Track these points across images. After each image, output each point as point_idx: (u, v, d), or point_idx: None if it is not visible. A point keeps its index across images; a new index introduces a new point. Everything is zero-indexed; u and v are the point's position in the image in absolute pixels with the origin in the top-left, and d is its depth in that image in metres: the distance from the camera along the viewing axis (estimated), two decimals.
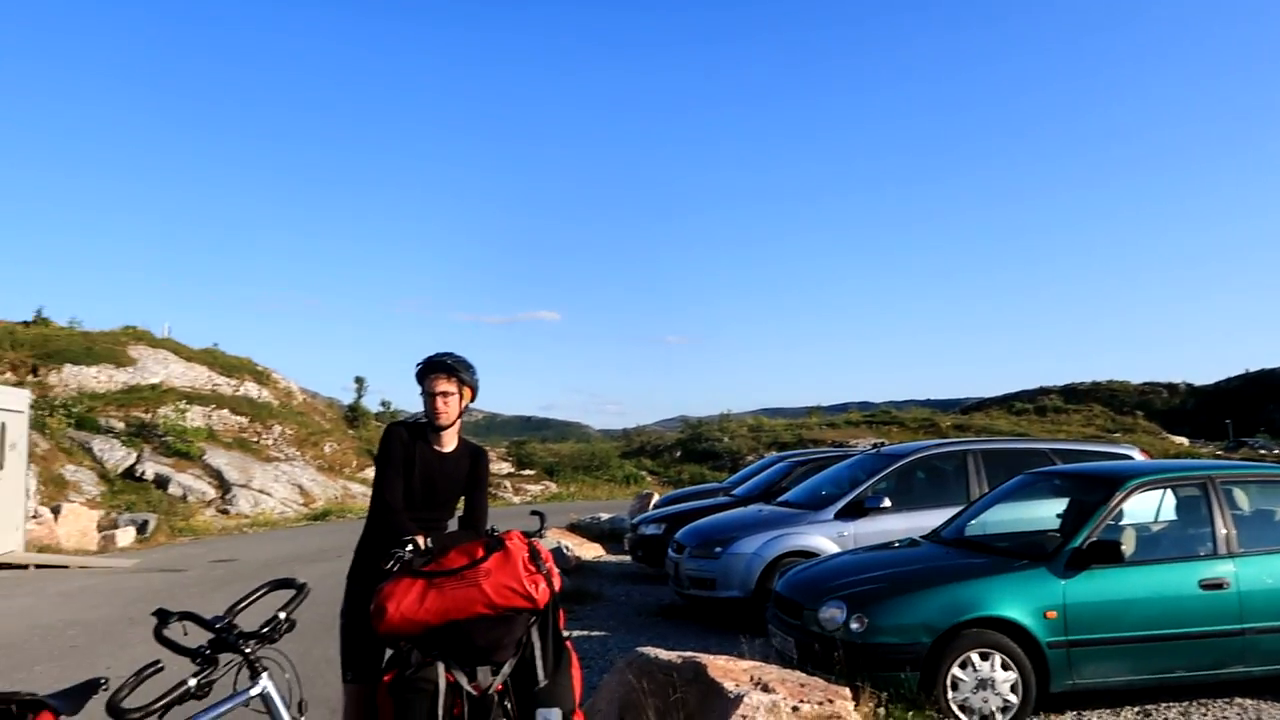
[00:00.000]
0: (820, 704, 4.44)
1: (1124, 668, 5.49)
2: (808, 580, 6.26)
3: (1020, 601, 5.36)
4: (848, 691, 4.68)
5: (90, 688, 2.29)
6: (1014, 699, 5.28)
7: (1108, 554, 5.41)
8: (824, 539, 8.39)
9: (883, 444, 10.86)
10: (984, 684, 5.27)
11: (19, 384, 21.01)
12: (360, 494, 27.11)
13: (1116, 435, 37.80)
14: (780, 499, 10.26)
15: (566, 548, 13.02)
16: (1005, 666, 5.29)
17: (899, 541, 7.09)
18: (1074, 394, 50.05)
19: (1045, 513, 6.87)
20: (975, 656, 5.29)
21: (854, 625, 5.40)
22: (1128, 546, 5.48)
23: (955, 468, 9.01)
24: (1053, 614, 5.34)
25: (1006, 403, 50.21)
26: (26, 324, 27.98)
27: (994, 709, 5.27)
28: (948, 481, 9.01)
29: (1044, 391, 50.80)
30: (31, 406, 15.98)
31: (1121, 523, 5.89)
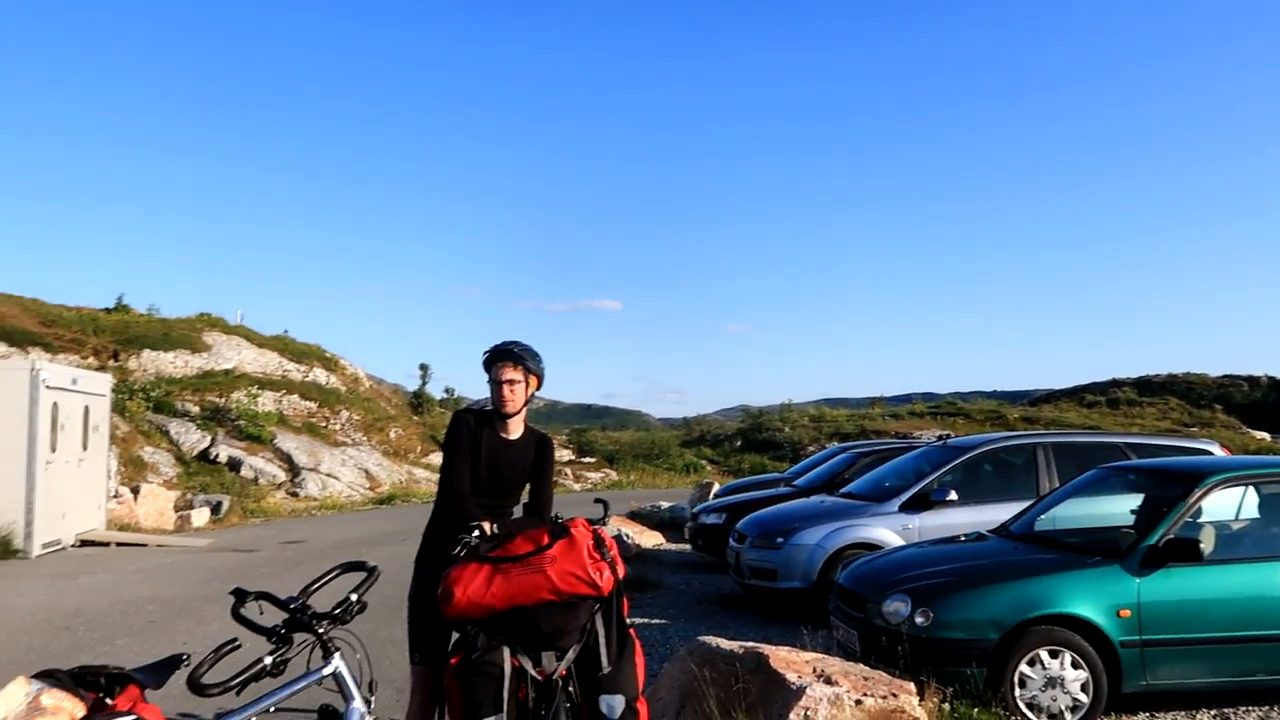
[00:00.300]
0: (884, 698, 4.40)
1: (1200, 669, 5.33)
2: (872, 573, 6.19)
3: (1092, 599, 5.24)
4: (912, 686, 4.63)
5: (173, 663, 2.37)
6: (1084, 698, 5.17)
7: (1185, 552, 5.25)
8: (888, 532, 8.29)
9: (948, 436, 10.68)
10: (1053, 682, 5.16)
11: (101, 368, 21.80)
12: (424, 479, 27.59)
13: (1194, 430, 36.61)
14: (843, 490, 10.17)
15: (627, 535, 13.08)
16: (1075, 665, 5.18)
17: (965, 536, 6.97)
18: (1148, 386, 48.57)
19: (1119, 509, 6.69)
20: (1044, 654, 5.19)
21: (919, 619, 5.33)
22: (1207, 545, 5.30)
23: (1024, 461, 8.83)
24: (1126, 613, 5.21)
25: (1077, 395, 48.90)
26: (108, 311, 29.00)
27: (1063, 708, 5.16)
28: (1016, 475, 8.83)
29: (1116, 384, 49.36)
30: (113, 390, 16.56)
31: (1200, 520, 5.70)
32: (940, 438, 10.93)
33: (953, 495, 8.33)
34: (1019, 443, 9.26)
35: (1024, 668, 5.18)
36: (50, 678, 1.98)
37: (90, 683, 2.05)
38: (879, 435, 34.65)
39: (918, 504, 8.44)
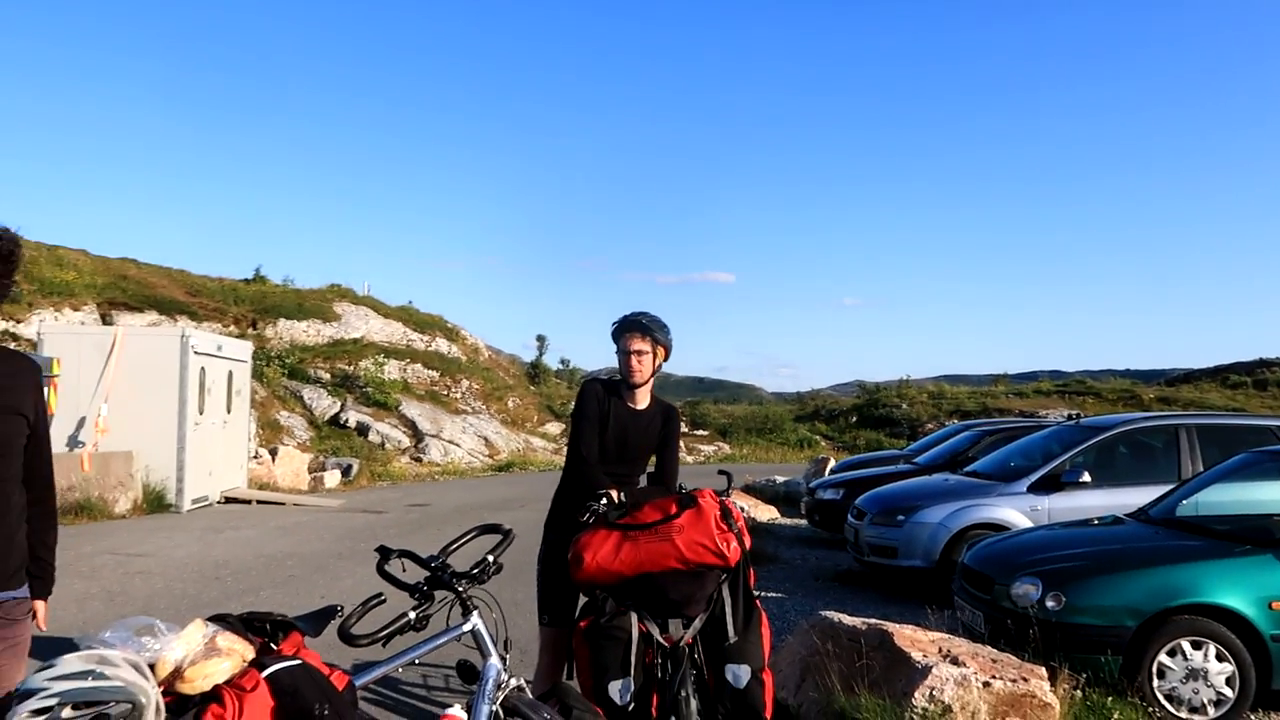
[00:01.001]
0: (1014, 681, 4.29)
1: None
2: (999, 554, 6.02)
3: (1241, 589, 4.96)
4: (1043, 671, 4.50)
5: (328, 613, 2.51)
6: (1229, 693, 4.92)
7: None
8: (1015, 512, 8.04)
9: (1079, 415, 10.24)
10: (1194, 674, 4.93)
11: (241, 336, 23.04)
12: (540, 448, 28.20)
13: None
14: (967, 469, 9.90)
15: (742, 509, 13.08)
16: (1220, 658, 4.93)
17: (1099, 519, 6.70)
18: None
19: (1270, 495, 6.30)
20: (1186, 644, 4.95)
21: (1050, 603, 5.16)
22: None
23: (1165, 443, 8.39)
24: (1279, 605, 4.92)
25: (1219, 375, 45.97)
26: (247, 282, 30.53)
27: (1205, 701, 4.93)
28: (1155, 457, 8.40)
29: (1264, 364, 46.15)
30: (252, 357, 17.50)
31: None
32: (1071, 417, 10.51)
33: (1086, 477, 7.99)
34: (1159, 424, 8.82)
35: (1163, 658, 4.96)
36: (223, 621, 2.13)
37: (257, 628, 2.19)
38: (1002, 413, 33.48)
39: (1048, 485, 8.14)
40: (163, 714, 1.87)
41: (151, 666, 1.90)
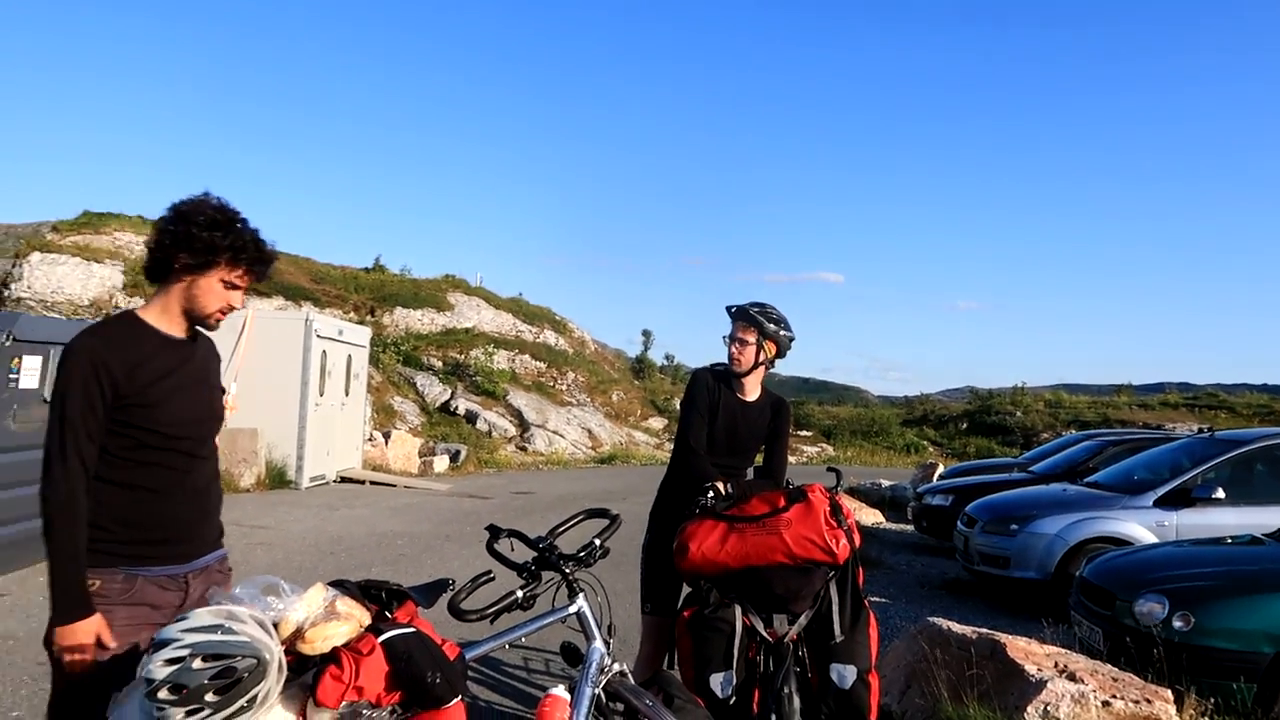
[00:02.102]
0: (1136, 703, 4.07)
1: None
2: (1122, 569, 5.74)
3: None
4: (1168, 694, 4.25)
5: (440, 586, 2.55)
6: None
7: None
8: (1139, 527, 7.65)
9: (1211, 429, 9.67)
10: None
11: (360, 323, 23.89)
12: (643, 442, 28.31)
13: None
14: (1087, 479, 9.47)
15: (852, 510, 12.86)
16: None
17: (1233, 538, 6.30)
18: None
19: None
20: None
21: (1177, 623, 4.89)
22: None
23: None
24: None
25: None
26: (367, 271, 31.60)
27: None
28: None
29: None
30: (370, 343, 18.12)
31: None
32: (1203, 430, 9.94)
33: (1220, 493, 7.54)
34: None
35: None
36: (342, 587, 2.20)
37: (374, 595, 2.25)
38: (1124, 425, 31.89)
39: (1176, 499, 7.73)
40: (285, 672, 1.94)
41: (275, 625, 1.98)
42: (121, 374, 2.33)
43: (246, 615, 1.92)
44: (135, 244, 21.68)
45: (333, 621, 2.03)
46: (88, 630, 2.26)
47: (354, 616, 2.08)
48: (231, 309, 2.50)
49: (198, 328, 2.56)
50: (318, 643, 1.99)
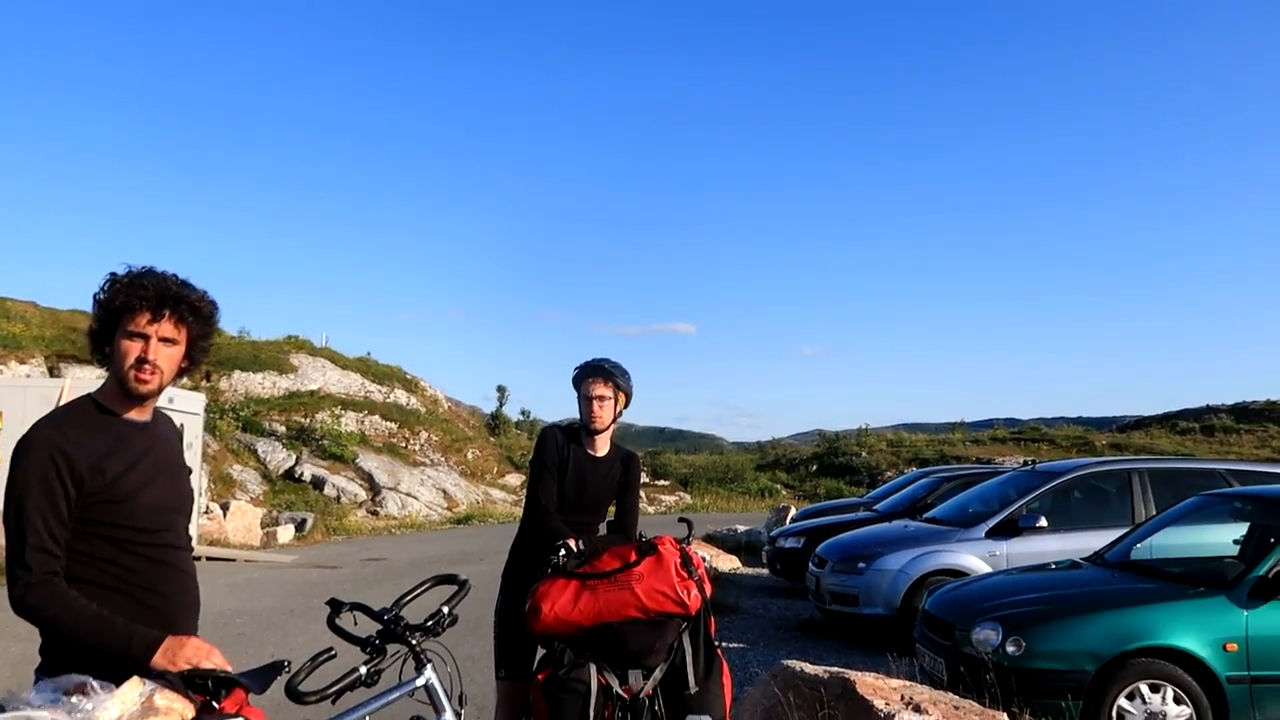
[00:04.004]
0: None
1: None
2: (959, 599, 6.03)
3: (1196, 631, 5.00)
4: (1004, 717, 4.48)
5: (274, 669, 2.41)
6: None
7: None
8: (974, 558, 8.08)
9: (1034, 461, 10.38)
10: (1153, 717, 4.94)
11: (194, 388, 22.63)
12: (500, 500, 27.87)
13: None
14: (926, 515, 9.95)
15: (704, 558, 13.00)
16: (1178, 700, 4.95)
17: (1056, 563, 6.75)
18: (1246, 413, 46.35)
19: (1221, 538, 6.42)
20: (1144, 688, 4.97)
21: (1010, 648, 5.16)
22: None
23: (1118, 487, 8.52)
24: (1233, 646, 4.96)
25: (1168, 421, 46.97)
26: None
27: None
28: (1110, 502, 8.53)
29: (1211, 410, 47.27)
30: (205, 409, 17.16)
31: None
32: (1027, 463, 10.65)
33: (1043, 521, 8.07)
34: (1113, 468, 8.95)
35: (1122, 701, 4.97)
36: (161, 679, 2.04)
37: (198, 685, 2.10)
38: (959, 461, 33.77)
39: (1006, 530, 8.21)
40: None
41: None
42: (86, 468, 2.16)
43: None
44: None
45: (150, 718, 1.88)
46: (171, 648, 2.13)
47: (174, 710, 1.94)
48: (144, 362, 2.24)
49: (154, 406, 2.39)
50: None
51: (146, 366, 2.24)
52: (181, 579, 2.40)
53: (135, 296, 2.23)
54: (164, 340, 2.27)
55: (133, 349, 2.24)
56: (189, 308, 2.30)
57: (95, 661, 2.09)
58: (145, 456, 2.31)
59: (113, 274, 2.27)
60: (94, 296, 2.28)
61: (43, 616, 2.10)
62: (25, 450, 2.17)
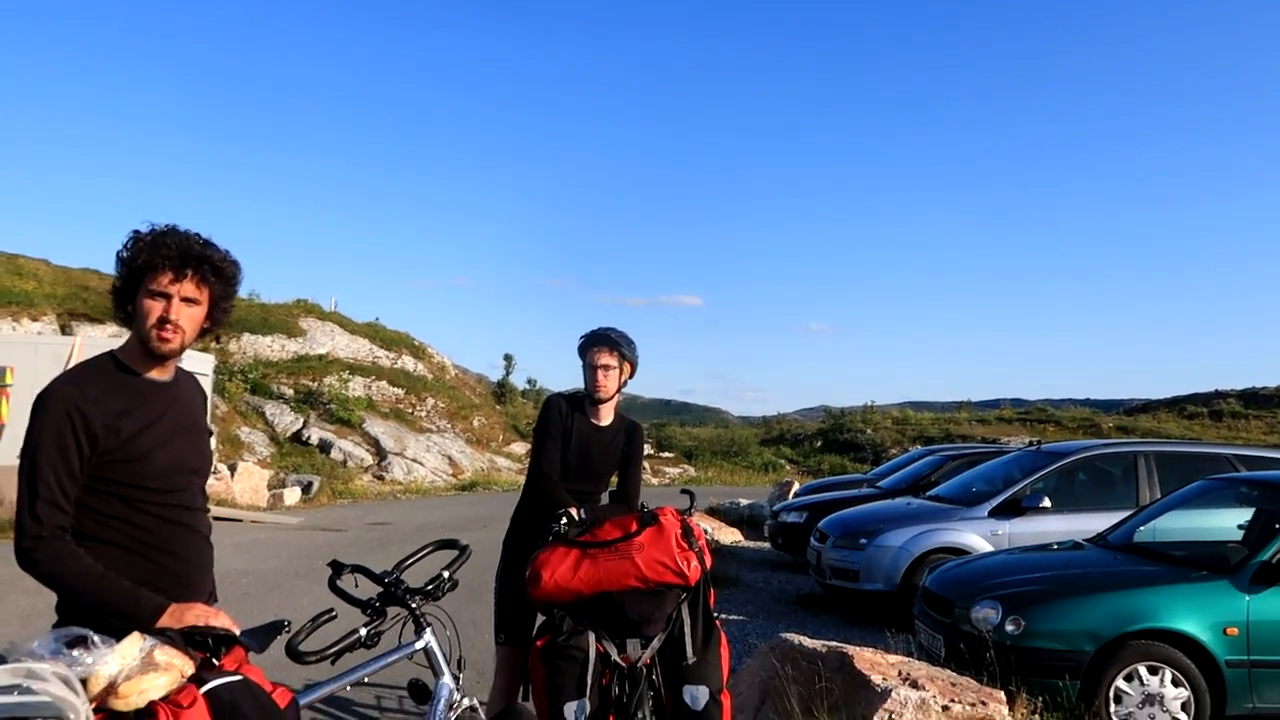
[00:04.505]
0: (973, 705, 4.28)
1: None
2: (960, 578, 6.04)
3: (1197, 615, 5.00)
4: (1002, 695, 4.50)
5: (275, 628, 2.43)
6: (1184, 718, 4.95)
7: None
8: (976, 537, 8.08)
9: (1039, 442, 10.35)
10: (1151, 699, 4.96)
11: (204, 350, 22.68)
12: (505, 468, 27.98)
13: None
14: (930, 493, 9.95)
15: (706, 531, 13.05)
16: (1176, 683, 4.96)
17: (1059, 544, 6.75)
18: (1255, 398, 46.11)
19: (1226, 523, 6.40)
20: (1143, 670, 4.98)
21: (1009, 627, 5.18)
22: None
23: (1124, 470, 8.50)
24: (1234, 630, 4.96)
25: (1176, 405, 46.75)
26: None
27: None
28: (1114, 484, 8.52)
29: (1220, 395, 47.03)
30: (214, 371, 17.22)
31: None
32: (1032, 443, 10.62)
33: (1046, 502, 8.07)
34: (1118, 450, 8.93)
35: (1120, 683, 4.98)
36: (162, 635, 2.05)
37: (199, 642, 2.11)
38: (964, 440, 33.76)
39: (1009, 510, 8.21)
40: None
41: (84, 682, 1.83)
42: (101, 426, 2.17)
43: (49, 672, 1.76)
44: None
45: (150, 673, 1.89)
46: (176, 613, 2.16)
47: (174, 667, 1.94)
48: (165, 322, 2.24)
49: (178, 366, 2.40)
50: (132, 697, 1.85)
51: (169, 326, 2.25)
52: (195, 539, 2.42)
53: (158, 256, 2.22)
54: (186, 300, 2.27)
55: (155, 308, 2.24)
56: (211, 268, 2.30)
57: (108, 621, 2.09)
58: (163, 416, 2.32)
59: (136, 232, 2.27)
60: (117, 254, 2.28)
61: (47, 571, 2.11)
62: (43, 405, 2.17)
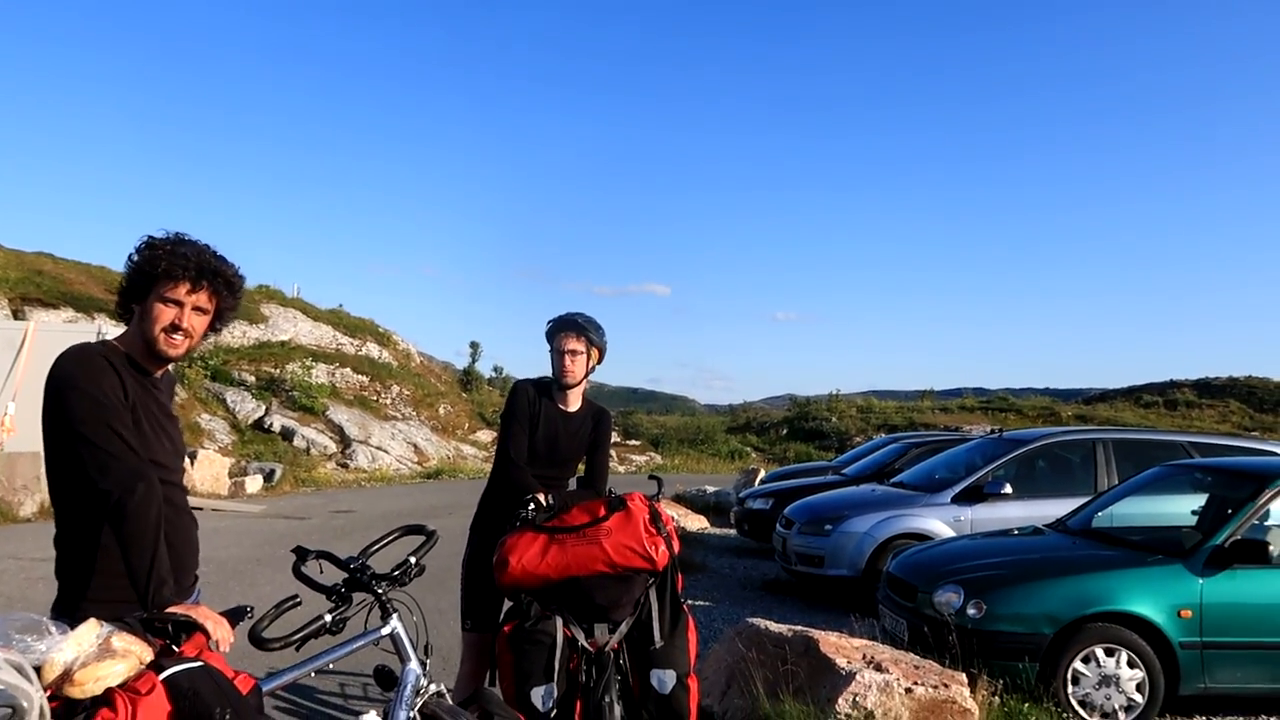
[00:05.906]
0: (935, 688, 4.34)
1: (1264, 674, 5.19)
2: (923, 562, 6.12)
3: (1152, 598, 5.11)
4: (963, 677, 4.56)
5: (238, 614, 2.40)
6: (1139, 698, 5.06)
7: (1253, 553, 5.09)
8: (939, 522, 8.18)
9: (1001, 430, 10.49)
10: (1107, 680, 5.06)
11: None
12: (471, 455, 27.84)
13: (1255, 433, 35.55)
14: (893, 480, 10.05)
15: (673, 517, 13.08)
16: (1131, 664, 5.07)
17: (1019, 529, 6.85)
18: (1208, 388, 47.11)
19: (1180, 508, 6.52)
20: (1100, 652, 5.08)
21: (971, 611, 5.25)
22: (1276, 547, 5.15)
23: (1082, 457, 8.64)
24: (1187, 613, 5.07)
25: (1133, 395, 47.68)
26: None
27: (1117, 707, 5.06)
28: (1073, 470, 8.65)
29: (1175, 385, 47.99)
30: None
31: (1268, 522, 5.53)
32: (993, 431, 10.76)
33: (1007, 489, 8.19)
34: (1077, 438, 9.07)
35: (1078, 664, 5.08)
36: (120, 621, 2.01)
37: (158, 629, 2.07)
38: (928, 428, 34.13)
39: (971, 496, 8.32)
40: (47, 719, 1.75)
41: (38, 669, 1.78)
42: (125, 399, 2.30)
43: (0, 659, 1.72)
44: None
45: (106, 660, 1.85)
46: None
47: (133, 653, 1.90)
48: (177, 328, 2.37)
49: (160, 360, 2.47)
50: (88, 684, 1.81)
51: (179, 332, 2.38)
52: (185, 521, 2.57)
53: (177, 265, 2.34)
54: (197, 309, 2.41)
55: (167, 314, 2.37)
56: (225, 282, 2.45)
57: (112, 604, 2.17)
58: (151, 405, 2.44)
59: (150, 238, 2.38)
60: (129, 258, 2.39)
61: (150, 515, 2.20)
62: (86, 361, 2.28)
